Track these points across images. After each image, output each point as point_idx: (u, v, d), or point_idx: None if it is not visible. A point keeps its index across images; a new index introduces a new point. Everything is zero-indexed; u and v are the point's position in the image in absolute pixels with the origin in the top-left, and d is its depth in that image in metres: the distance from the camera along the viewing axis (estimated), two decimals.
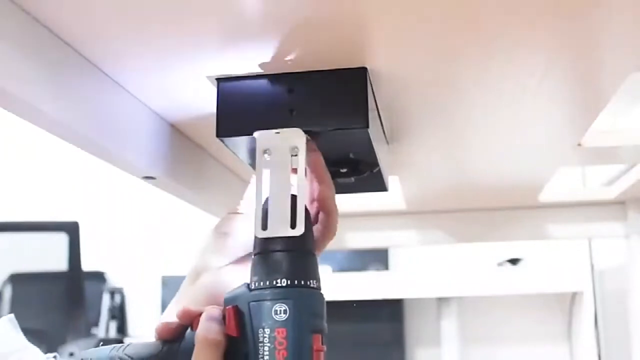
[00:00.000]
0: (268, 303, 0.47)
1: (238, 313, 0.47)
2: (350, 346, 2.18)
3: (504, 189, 1.05)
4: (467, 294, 2.19)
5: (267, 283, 0.47)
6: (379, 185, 0.68)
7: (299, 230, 0.49)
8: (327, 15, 0.44)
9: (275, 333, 0.46)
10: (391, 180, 0.75)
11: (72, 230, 1.95)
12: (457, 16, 0.45)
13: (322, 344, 0.48)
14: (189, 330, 0.50)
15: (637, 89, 0.60)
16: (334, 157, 0.59)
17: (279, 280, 0.47)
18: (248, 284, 0.49)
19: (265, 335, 0.46)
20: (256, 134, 0.51)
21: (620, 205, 1.20)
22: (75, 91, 0.51)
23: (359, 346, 2.21)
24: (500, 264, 2.28)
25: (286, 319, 0.46)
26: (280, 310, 0.46)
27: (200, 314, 0.49)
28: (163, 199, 0.96)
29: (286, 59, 0.51)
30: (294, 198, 0.50)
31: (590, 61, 0.55)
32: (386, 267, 2.34)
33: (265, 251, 0.49)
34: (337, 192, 0.56)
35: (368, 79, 0.52)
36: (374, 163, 0.61)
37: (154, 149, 0.63)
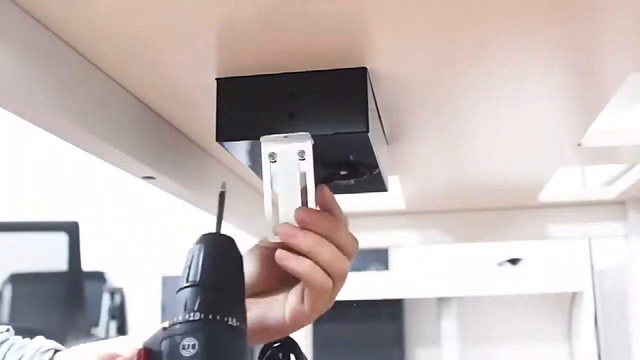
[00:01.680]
0: (177, 337, 0.43)
1: (149, 354, 0.44)
2: (350, 346, 2.19)
3: (504, 189, 1.05)
4: (467, 294, 2.20)
5: (180, 318, 0.44)
6: (378, 185, 0.68)
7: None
8: (327, 15, 0.44)
9: None
10: (391, 180, 0.75)
11: (72, 230, 1.95)
12: (457, 16, 0.45)
13: None
14: None
15: (637, 89, 0.60)
16: (334, 159, 0.59)
17: (191, 315, 0.44)
18: (168, 324, 0.46)
19: None
20: (262, 139, 0.51)
21: (620, 205, 1.20)
22: (75, 91, 0.51)
23: (359, 346, 2.21)
24: (500, 264, 2.28)
25: (194, 354, 0.42)
26: (189, 345, 0.43)
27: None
28: (163, 199, 0.96)
29: (286, 59, 0.51)
30: (304, 202, 0.50)
31: (590, 61, 0.55)
32: (386, 267, 2.34)
33: (182, 288, 0.46)
34: (337, 193, 0.56)
35: (368, 79, 0.52)
36: (374, 165, 0.60)
37: (154, 149, 0.63)
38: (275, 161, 0.50)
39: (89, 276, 2.14)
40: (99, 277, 2.54)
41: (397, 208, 1.18)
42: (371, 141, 0.53)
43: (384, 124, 0.64)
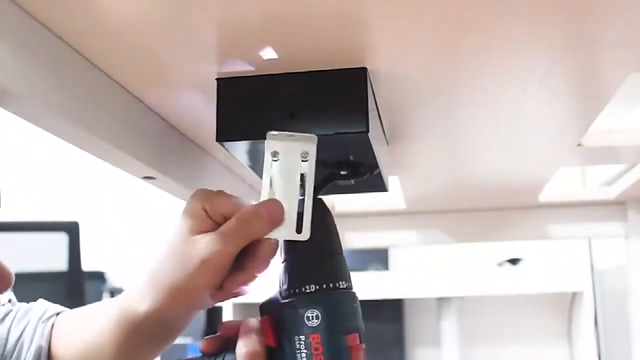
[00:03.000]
0: (300, 311, 0.48)
1: (273, 323, 0.49)
2: None
3: (504, 189, 1.05)
4: (467, 294, 2.19)
5: (297, 290, 0.48)
6: (379, 185, 0.68)
7: (305, 235, 0.49)
8: (327, 15, 0.44)
9: (310, 339, 0.47)
10: (391, 180, 0.75)
11: (72, 230, 1.95)
12: (457, 16, 0.45)
13: (360, 342, 0.49)
14: (231, 344, 0.51)
15: (637, 89, 0.60)
16: (334, 159, 0.59)
17: (307, 287, 0.48)
18: (280, 292, 0.50)
19: (301, 342, 0.47)
20: (268, 134, 0.51)
21: (620, 205, 1.20)
22: (75, 91, 0.51)
23: None
24: (500, 264, 2.28)
25: (319, 324, 0.47)
26: (312, 317, 0.47)
27: (220, 341, 0.51)
28: (163, 199, 0.96)
29: (286, 59, 0.51)
30: (301, 203, 0.50)
31: (590, 61, 0.55)
32: (386, 267, 2.34)
33: (291, 257, 0.50)
34: (337, 193, 0.56)
35: (368, 79, 0.52)
36: (374, 165, 0.61)
37: (154, 149, 0.63)
38: (277, 159, 0.50)
39: (89, 276, 2.13)
40: (99, 277, 2.53)
41: (397, 208, 1.18)
42: (371, 141, 0.53)
43: (383, 124, 0.64)
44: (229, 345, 0.51)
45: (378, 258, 2.33)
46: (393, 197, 1.14)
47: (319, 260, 0.50)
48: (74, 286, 1.95)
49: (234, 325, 0.52)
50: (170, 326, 0.56)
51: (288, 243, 0.50)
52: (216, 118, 0.54)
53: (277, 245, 0.51)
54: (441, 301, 2.23)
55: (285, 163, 0.50)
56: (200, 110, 0.61)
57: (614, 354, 2.03)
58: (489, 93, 0.60)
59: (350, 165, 0.60)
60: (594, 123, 0.71)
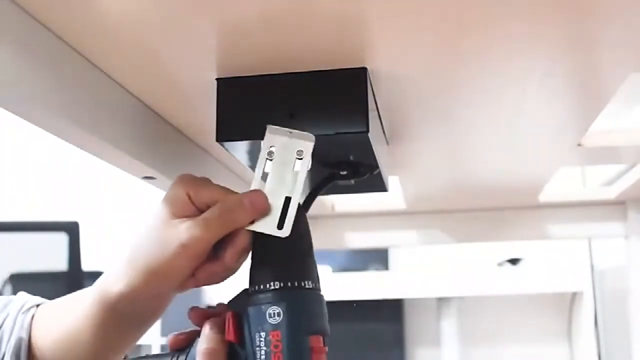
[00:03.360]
0: (262, 307, 0.47)
1: (237, 318, 0.48)
2: (350, 346, 2.19)
3: (504, 189, 1.05)
4: (467, 294, 2.20)
5: (262, 287, 0.48)
6: (379, 185, 0.68)
7: (286, 232, 0.49)
8: (327, 15, 0.44)
9: (271, 336, 0.46)
10: (391, 180, 0.75)
11: (72, 230, 1.95)
12: (457, 16, 0.45)
13: (324, 344, 0.48)
14: (197, 339, 0.51)
15: (637, 89, 0.60)
16: (334, 159, 0.59)
17: (272, 284, 0.48)
18: (247, 289, 0.49)
19: (261, 339, 0.46)
20: (269, 127, 0.51)
21: (620, 205, 1.20)
22: (75, 91, 0.51)
23: (359, 346, 2.21)
24: (500, 264, 2.28)
25: (280, 321, 0.46)
26: (274, 313, 0.47)
27: (209, 315, 0.51)
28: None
29: (286, 59, 0.51)
30: (287, 200, 0.50)
31: (590, 61, 0.55)
32: (386, 267, 2.34)
33: (260, 253, 0.50)
34: (337, 193, 0.56)
35: (368, 79, 0.52)
36: (374, 165, 0.61)
37: (154, 149, 0.63)
38: (273, 153, 0.50)
39: (89, 276, 2.13)
40: (99, 277, 2.53)
41: (397, 208, 1.18)
42: (371, 141, 0.53)
43: (383, 124, 0.64)
44: (194, 340, 0.51)
45: (378, 258, 2.33)
46: (393, 197, 1.14)
47: (287, 258, 0.49)
48: (74, 286, 1.94)
49: (203, 313, 0.51)
50: (144, 309, 0.56)
51: (259, 239, 0.50)
52: (216, 118, 0.54)
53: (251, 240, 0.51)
54: (441, 301, 2.23)
55: (280, 158, 0.51)
56: (201, 110, 0.61)
57: (614, 354, 2.03)
58: (489, 93, 0.60)
59: (350, 165, 0.60)
60: (594, 123, 0.71)
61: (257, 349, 0.46)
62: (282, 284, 0.48)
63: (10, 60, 0.43)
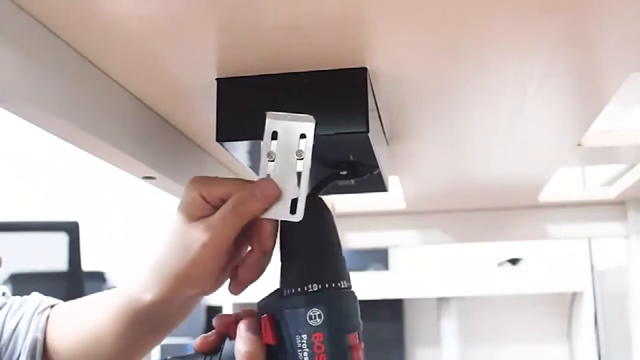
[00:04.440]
0: (302, 310, 0.48)
1: (274, 321, 0.48)
2: None
3: (504, 189, 1.05)
4: (467, 294, 2.19)
5: (299, 289, 0.48)
6: (379, 185, 0.68)
7: (299, 216, 0.49)
8: (327, 15, 0.44)
9: (313, 338, 0.47)
10: (391, 180, 0.75)
11: (72, 230, 1.95)
12: (457, 16, 0.45)
13: (359, 341, 0.49)
14: (227, 340, 0.51)
15: (637, 89, 0.60)
16: (334, 159, 0.59)
17: (310, 286, 0.48)
18: (280, 290, 0.50)
19: (303, 341, 0.47)
20: (268, 114, 0.51)
21: (620, 205, 1.20)
22: (75, 91, 0.51)
23: None
24: (500, 264, 2.28)
25: (321, 323, 0.47)
26: (315, 315, 0.47)
27: (236, 321, 0.51)
28: (163, 199, 0.96)
29: (286, 59, 0.51)
30: (296, 184, 0.50)
31: (590, 61, 0.55)
32: (386, 267, 2.34)
33: (292, 256, 0.50)
34: (337, 193, 0.56)
35: (368, 79, 0.52)
36: (374, 165, 0.61)
37: (154, 149, 0.63)
38: (276, 139, 0.51)
39: (89, 276, 2.13)
40: (99, 277, 2.53)
41: (397, 208, 1.18)
42: (371, 141, 0.53)
43: (383, 123, 0.64)
44: (223, 342, 0.52)
45: (378, 258, 2.33)
46: (393, 197, 1.14)
47: (321, 259, 0.50)
48: (74, 286, 1.95)
49: (229, 320, 0.52)
50: (175, 314, 0.57)
51: (289, 242, 0.50)
52: (216, 118, 0.54)
53: (277, 224, 0.52)
54: (441, 301, 2.23)
55: (284, 143, 0.50)
56: (201, 110, 0.61)
57: (614, 354, 2.03)
58: (489, 93, 0.60)
59: (350, 165, 0.60)
60: (594, 123, 0.71)
61: (299, 350, 0.47)
62: (320, 286, 0.48)
63: (10, 60, 0.43)
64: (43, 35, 0.46)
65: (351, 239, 1.25)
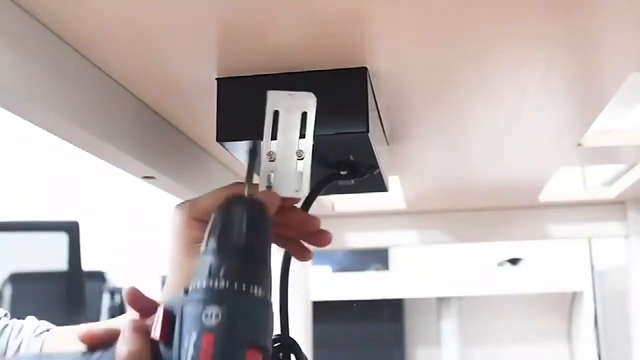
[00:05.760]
0: (198, 305, 0.41)
1: (168, 317, 0.43)
2: (350, 346, 2.19)
3: (504, 189, 1.05)
4: (467, 294, 2.20)
5: (203, 285, 0.42)
6: (379, 185, 0.68)
7: (304, 192, 0.49)
8: (327, 15, 0.44)
9: (202, 339, 0.40)
10: (391, 180, 0.75)
11: (72, 230, 1.95)
12: (457, 16, 0.45)
13: None
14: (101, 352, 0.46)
15: (637, 89, 0.60)
16: (334, 159, 0.59)
17: (214, 283, 0.42)
18: (186, 288, 0.44)
19: (190, 340, 0.41)
20: (269, 93, 0.50)
21: (620, 205, 1.20)
22: (75, 91, 0.51)
23: (359, 346, 2.21)
24: (500, 264, 2.28)
25: (216, 324, 0.40)
26: (212, 314, 0.41)
27: (103, 334, 0.46)
28: (163, 199, 0.96)
29: (286, 59, 0.51)
30: (299, 161, 0.50)
31: (590, 61, 0.55)
32: (386, 267, 2.34)
33: (210, 253, 0.44)
34: (337, 193, 0.56)
35: (368, 79, 0.52)
36: (374, 165, 0.61)
37: (154, 149, 0.63)
38: (278, 118, 0.50)
39: (89, 276, 2.13)
40: (99, 277, 2.53)
41: (397, 208, 1.18)
42: (371, 141, 0.53)
43: (384, 123, 0.64)
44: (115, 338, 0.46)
45: (378, 258, 2.33)
46: (393, 197, 1.14)
47: (237, 258, 0.43)
48: (74, 286, 1.95)
49: (97, 333, 0.47)
50: None
51: (214, 239, 0.44)
52: (216, 118, 0.54)
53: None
54: (441, 301, 2.23)
55: (286, 122, 0.50)
56: (201, 110, 0.61)
57: (614, 354, 2.03)
58: (489, 93, 0.60)
59: (350, 165, 0.60)
60: (594, 123, 0.71)
61: (185, 350, 0.40)
62: (226, 284, 0.42)
63: (10, 60, 0.43)
64: (43, 34, 0.46)
65: (351, 239, 1.25)
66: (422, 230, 1.24)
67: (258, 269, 0.43)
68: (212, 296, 0.41)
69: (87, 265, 1.99)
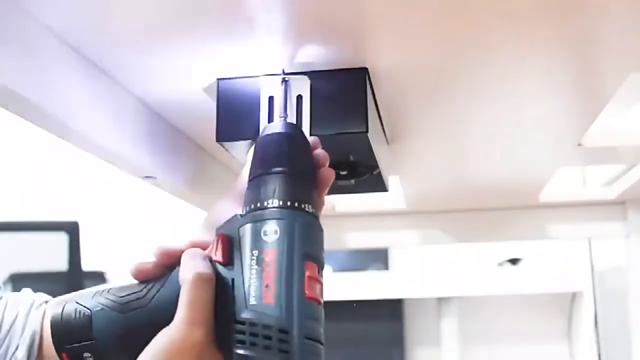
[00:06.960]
0: (257, 224, 0.43)
1: (227, 239, 0.44)
2: (350, 346, 2.18)
3: (504, 189, 1.05)
4: (467, 294, 2.19)
5: (258, 205, 0.44)
6: (379, 185, 0.68)
7: None
8: (327, 15, 0.44)
9: (264, 254, 0.42)
10: (391, 180, 0.75)
11: (72, 230, 1.95)
12: (457, 17, 0.45)
13: (319, 275, 0.43)
14: (175, 271, 0.47)
15: (637, 89, 0.60)
16: (334, 159, 0.59)
17: (270, 202, 0.43)
18: (238, 214, 0.45)
19: (253, 257, 0.42)
20: (262, 79, 0.50)
21: (620, 205, 1.20)
22: (76, 91, 0.51)
23: (359, 346, 2.21)
24: (500, 264, 2.28)
25: (276, 239, 0.42)
26: (270, 231, 0.42)
27: (180, 253, 0.47)
28: (163, 199, 0.96)
29: (286, 59, 0.51)
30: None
31: (590, 61, 0.55)
32: (386, 267, 2.34)
33: (257, 175, 0.46)
34: (337, 193, 0.56)
35: (368, 79, 0.52)
36: (374, 165, 0.61)
37: (154, 149, 0.63)
38: (272, 103, 0.50)
39: (89, 276, 2.13)
40: (99, 277, 2.53)
41: (397, 208, 1.18)
42: (371, 141, 0.53)
43: (384, 123, 0.64)
44: (165, 273, 0.47)
45: (378, 258, 2.33)
46: (393, 197, 1.14)
47: (288, 177, 0.44)
48: (74, 286, 1.94)
49: (172, 252, 0.48)
50: None
51: (259, 164, 0.46)
52: (216, 118, 0.54)
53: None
54: (441, 301, 2.23)
55: (281, 104, 0.50)
56: (201, 110, 0.61)
57: (614, 354, 2.03)
58: (489, 93, 0.60)
59: (350, 165, 0.60)
60: (594, 123, 0.71)
61: (248, 268, 0.42)
62: (281, 202, 0.43)
63: (10, 60, 0.43)
64: (43, 34, 0.46)
65: (351, 239, 1.25)
66: (422, 231, 1.24)
67: (306, 187, 0.45)
68: (269, 214, 0.43)
69: (87, 265, 1.99)
